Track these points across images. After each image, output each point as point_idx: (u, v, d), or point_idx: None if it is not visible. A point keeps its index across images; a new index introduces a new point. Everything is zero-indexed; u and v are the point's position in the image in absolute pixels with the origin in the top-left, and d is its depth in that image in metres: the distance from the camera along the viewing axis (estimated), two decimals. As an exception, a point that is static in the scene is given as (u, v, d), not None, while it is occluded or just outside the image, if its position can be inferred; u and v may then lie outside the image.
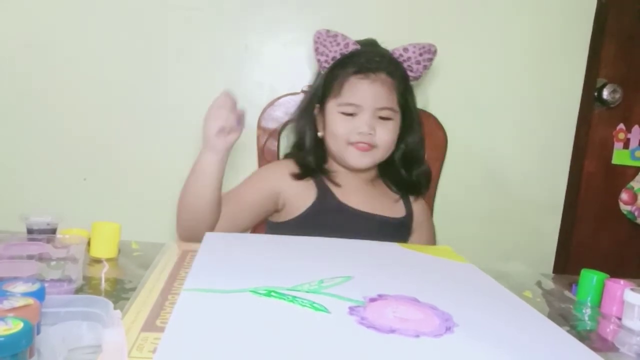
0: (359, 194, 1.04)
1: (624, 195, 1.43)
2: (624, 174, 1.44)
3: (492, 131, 1.38)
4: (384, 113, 1.00)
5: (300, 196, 1.01)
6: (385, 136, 1.00)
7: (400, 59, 1.04)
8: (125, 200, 1.31)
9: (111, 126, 1.29)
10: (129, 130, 1.29)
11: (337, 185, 1.03)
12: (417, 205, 1.10)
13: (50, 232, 0.78)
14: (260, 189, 1.01)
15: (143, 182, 1.30)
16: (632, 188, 1.43)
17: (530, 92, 1.37)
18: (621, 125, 1.42)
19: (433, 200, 1.26)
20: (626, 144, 1.42)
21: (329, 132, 1.02)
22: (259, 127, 1.21)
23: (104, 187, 1.30)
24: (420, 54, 1.05)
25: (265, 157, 1.22)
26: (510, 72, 1.36)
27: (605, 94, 1.38)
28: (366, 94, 0.99)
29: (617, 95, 1.38)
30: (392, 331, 0.50)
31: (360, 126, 0.98)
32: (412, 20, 1.31)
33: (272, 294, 0.57)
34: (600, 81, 1.39)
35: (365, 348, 0.46)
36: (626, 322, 0.65)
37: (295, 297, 0.56)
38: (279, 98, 1.21)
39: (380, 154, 1.02)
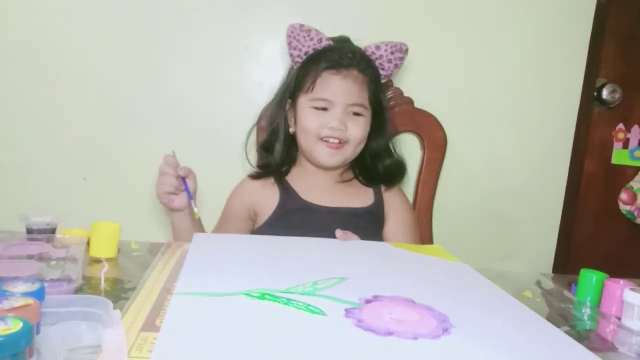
0: (324, 190, 1.05)
1: (624, 195, 1.43)
2: (624, 174, 1.44)
3: (491, 131, 1.38)
4: (356, 109, 1.01)
5: (265, 202, 1.04)
6: (356, 132, 1.01)
7: (372, 57, 1.05)
8: (125, 200, 1.31)
9: (111, 126, 1.29)
10: (129, 130, 1.29)
11: (300, 184, 1.05)
12: (389, 194, 1.09)
13: (50, 232, 0.78)
14: (236, 215, 1.07)
15: (143, 182, 1.29)
16: (632, 188, 1.43)
17: (530, 91, 1.37)
18: (621, 125, 1.42)
19: (433, 200, 1.26)
20: (625, 144, 1.42)
21: (300, 126, 1.03)
22: (259, 126, 1.21)
23: (104, 187, 1.30)
24: (392, 52, 1.05)
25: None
26: (510, 71, 1.36)
27: (605, 93, 1.38)
28: (338, 89, 0.99)
29: (617, 95, 1.38)
30: (390, 333, 0.49)
31: (331, 121, 0.99)
32: (411, 21, 1.32)
33: (266, 296, 0.56)
34: (599, 81, 1.39)
35: (363, 351, 0.46)
36: (626, 322, 0.65)
37: (289, 299, 0.56)
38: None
39: (350, 151, 1.02)
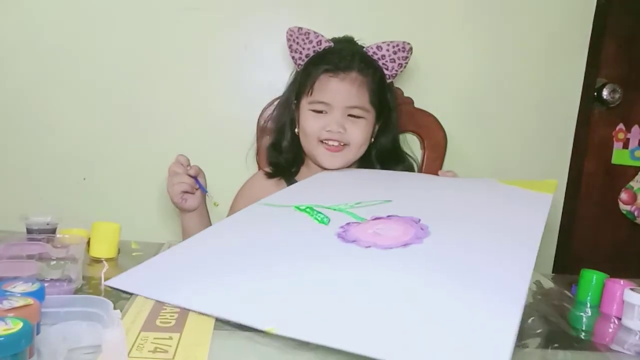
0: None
1: (624, 195, 1.43)
2: (624, 174, 1.43)
3: (491, 131, 1.38)
4: (355, 112, 1.00)
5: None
6: (356, 134, 1.00)
7: (375, 57, 1.04)
8: (125, 200, 1.31)
9: (111, 126, 1.29)
10: (129, 130, 1.29)
11: None
12: None
13: (49, 232, 0.78)
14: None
15: (143, 182, 1.30)
16: (632, 188, 1.43)
17: (530, 91, 1.37)
18: (621, 125, 1.42)
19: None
20: (626, 144, 1.42)
21: (301, 129, 1.04)
22: (259, 126, 1.21)
23: (103, 187, 1.30)
24: (395, 52, 1.04)
25: (264, 156, 1.21)
26: (510, 71, 1.36)
27: (605, 93, 1.38)
28: (336, 92, 0.99)
29: (617, 95, 1.38)
30: (367, 245, 0.58)
31: (329, 124, 0.99)
32: (411, 21, 1.31)
33: (307, 209, 0.69)
34: (600, 81, 1.39)
35: (328, 253, 0.57)
36: (626, 321, 0.65)
37: (315, 210, 0.69)
38: (278, 98, 1.21)
39: (352, 153, 1.02)
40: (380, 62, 1.04)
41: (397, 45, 1.04)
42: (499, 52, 1.35)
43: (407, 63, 1.06)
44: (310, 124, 1.01)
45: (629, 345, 0.59)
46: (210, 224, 1.01)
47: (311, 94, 1.00)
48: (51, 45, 1.25)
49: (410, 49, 1.05)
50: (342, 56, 1.00)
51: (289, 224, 0.67)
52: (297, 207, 0.71)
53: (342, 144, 1.00)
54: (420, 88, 1.28)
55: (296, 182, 1.06)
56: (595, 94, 1.39)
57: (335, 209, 0.69)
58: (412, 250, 0.57)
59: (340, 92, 0.99)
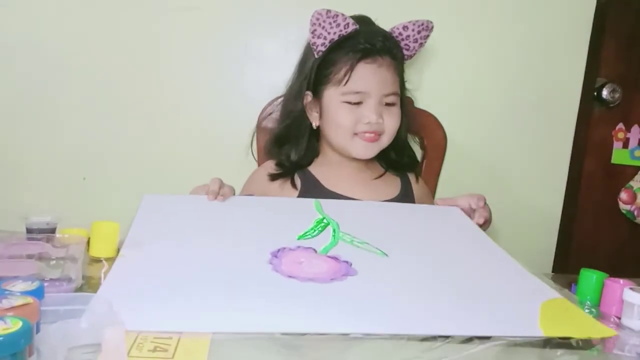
0: (350, 181, 1.00)
1: (624, 195, 1.43)
2: (624, 174, 1.43)
3: (491, 131, 1.38)
4: (390, 99, 0.96)
5: (284, 192, 0.99)
6: (391, 122, 0.97)
7: (399, 38, 0.99)
8: (125, 200, 1.30)
9: (111, 126, 1.28)
10: (129, 130, 1.29)
11: (323, 174, 1.00)
12: (419, 183, 1.08)
13: (49, 231, 0.78)
14: None
15: (143, 182, 1.30)
16: (632, 187, 1.43)
17: (529, 91, 1.37)
18: (620, 125, 1.42)
19: (433, 200, 1.26)
20: (625, 144, 1.42)
21: (332, 123, 0.97)
22: (259, 127, 1.21)
23: (104, 187, 1.30)
24: (419, 32, 1.00)
25: (264, 156, 1.21)
26: (510, 71, 1.36)
27: (605, 93, 1.38)
28: (373, 80, 0.93)
29: (617, 95, 1.38)
30: (290, 276, 0.63)
31: (368, 115, 0.93)
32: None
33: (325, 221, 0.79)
34: (599, 81, 1.39)
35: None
36: (626, 321, 0.65)
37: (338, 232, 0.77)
38: (279, 98, 1.21)
39: (385, 141, 0.98)
40: (402, 43, 0.99)
41: (422, 25, 0.99)
42: (499, 52, 1.35)
43: (425, 43, 1.02)
44: (344, 117, 0.95)
45: (630, 345, 0.59)
46: None
47: (345, 84, 0.93)
48: (51, 45, 1.25)
49: (432, 27, 1.01)
50: (374, 40, 0.94)
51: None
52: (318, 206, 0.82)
53: (378, 133, 0.96)
54: (420, 88, 1.28)
55: (308, 171, 1.01)
56: (595, 93, 1.39)
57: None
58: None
59: (377, 79, 0.93)
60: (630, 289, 0.65)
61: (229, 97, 1.30)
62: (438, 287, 0.64)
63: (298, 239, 0.74)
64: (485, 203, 0.93)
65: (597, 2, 1.36)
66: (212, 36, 1.28)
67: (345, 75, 0.93)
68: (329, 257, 0.70)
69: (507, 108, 1.37)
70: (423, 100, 1.26)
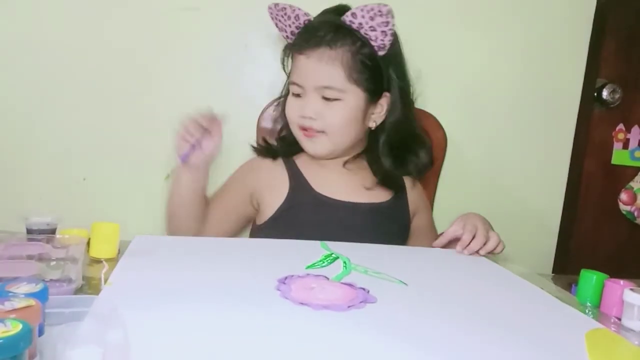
0: (337, 182, 0.96)
1: (624, 196, 1.43)
2: (624, 174, 1.43)
3: (491, 131, 1.38)
4: (328, 93, 0.89)
5: (273, 191, 0.96)
6: (331, 120, 0.90)
7: (353, 27, 0.88)
8: (125, 200, 1.30)
9: (111, 126, 1.28)
10: (129, 130, 1.29)
11: (311, 173, 0.96)
12: (415, 186, 1.02)
13: (50, 232, 0.78)
14: (236, 192, 1.00)
15: (143, 181, 1.29)
16: (632, 188, 1.43)
17: (530, 91, 1.37)
18: (621, 126, 1.42)
19: (433, 200, 1.26)
20: (625, 144, 1.42)
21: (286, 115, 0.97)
22: (259, 126, 1.21)
23: (104, 187, 1.30)
24: (371, 18, 0.86)
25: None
26: (510, 72, 1.36)
27: (605, 94, 1.38)
28: (305, 71, 0.89)
29: (617, 96, 1.38)
30: (302, 303, 0.56)
31: (303, 108, 0.91)
32: (411, 21, 1.31)
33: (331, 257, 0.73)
34: (600, 81, 1.39)
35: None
36: (626, 322, 0.65)
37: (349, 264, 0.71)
38: (278, 98, 1.21)
39: (334, 140, 0.92)
40: (361, 33, 0.89)
41: (372, 10, 0.86)
42: (498, 52, 1.35)
43: (391, 30, 0.89)
44: (289, 109, 0.94)
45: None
46: (200, 196, 0.94)
47: (290, 75, 0.93)
48: (51, 45, 1.25)
49: (389, 11, 0.87)
50: (312, 30, 0.89)
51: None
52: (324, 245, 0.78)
53: (314, 129, 0.91)
54: (420, 88, 1.28)
55: (295, 165, 0.98)
56: (595, 94, 1.39)
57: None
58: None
59: (308, 71, 0.89)
60: (631, 289, 0.65)
61: (229, 98, 1.29)
62: (470, 317, 0.58)
63: (306, 268, 0.69)
64: (491, 228, 0.93)
65: (597, 2, 1.36)
66: (212, 36, 1.28)
67: (289, 66, 0.94)
68: (343, 283, 0.64)
69: (507, 108, 1.37)
70: (423, 100, 1.26)
